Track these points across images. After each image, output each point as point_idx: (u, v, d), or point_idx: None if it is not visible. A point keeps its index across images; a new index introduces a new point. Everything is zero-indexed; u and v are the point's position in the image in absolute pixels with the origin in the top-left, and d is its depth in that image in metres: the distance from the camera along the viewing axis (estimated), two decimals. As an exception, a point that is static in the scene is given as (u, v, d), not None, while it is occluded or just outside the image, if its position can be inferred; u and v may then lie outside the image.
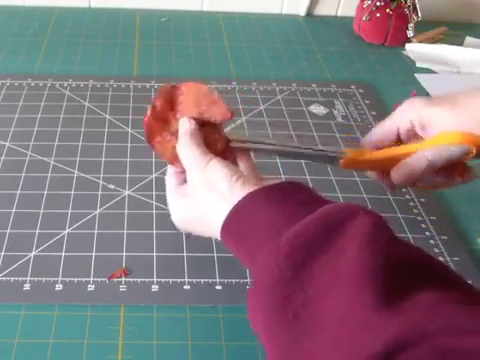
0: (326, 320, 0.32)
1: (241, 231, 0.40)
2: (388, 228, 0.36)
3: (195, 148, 0.45)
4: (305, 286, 0.33)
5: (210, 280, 0.52)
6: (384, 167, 0.51)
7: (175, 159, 0.47)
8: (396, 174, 0.49)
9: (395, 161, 0.49)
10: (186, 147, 0.46)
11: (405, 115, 0.50)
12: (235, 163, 0.47)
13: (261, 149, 0.49)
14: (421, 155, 0.48)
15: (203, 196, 0.44)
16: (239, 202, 0.40)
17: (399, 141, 0.51)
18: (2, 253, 0.53)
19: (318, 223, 0.35)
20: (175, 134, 0.48)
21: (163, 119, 0.48)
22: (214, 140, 0.48)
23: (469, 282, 0.35)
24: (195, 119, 0.47)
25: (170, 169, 0.50)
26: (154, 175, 0.64)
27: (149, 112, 0.48)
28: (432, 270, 0.34)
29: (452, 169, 0.50)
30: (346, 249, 0.34)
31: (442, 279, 0.34)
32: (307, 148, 0.49)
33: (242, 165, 0.47)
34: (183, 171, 0.47)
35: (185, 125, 0.47)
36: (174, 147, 0.47)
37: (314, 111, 0.76)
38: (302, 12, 1.05)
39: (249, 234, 0.39)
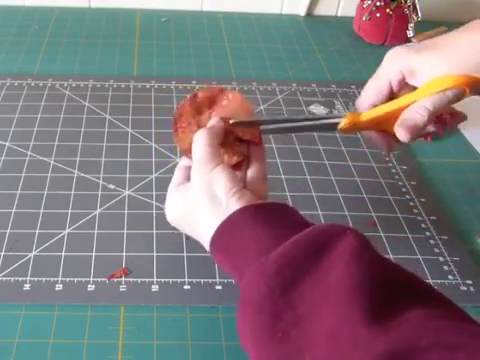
0: (316, 337, 0.32)
1: (229, 246, 0.40)
2: (372, 247, 0.36)
3: (208, 145, 0.45)
4: (294, 304, 0.34)
5: (210, 280, 0.52)
6: (383, 125, 0.50)
7: (189, 150, 0.47)
8: (401, 130, 0.47)
9: (394, 116, 0.48)
10: (201, 141, 0.45)
11: (392, 67, 0.50)
12: (247, 165, 0.47)
13: (263, 129, 0.49)
14: (421, 106, 0.47)
15: (200, 199, 0.44)
16: (229, 217, 0.41)
17: (393, 95, 0.51)
18: (2, 253, 0.53)
19: (306, 242, 0.36)
20: (200, 128, 0.47)
21: (198, 110, 0.49)
22: (232, 151, 0.47)
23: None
24: (225, 122, 0.47)
25: (182, 163, 0.49)
26: (154, 175, 0.64)
27: (188, 97, 0.49)
28: (416, 287, 0.34)
29: (442, 116, 0.51)
30: (334, 266, 0.34)
31: (426, 296, 0.34)
32: (305, 119, 0.49)
33: (253, 169, 0.47)
34: None
35: (212, 121, 0.47)
36: (193, 139, 0.47)
37: (314, 111, 0.76)
38: (302, 12, 1.05)
39: (237, 250, 0.40)
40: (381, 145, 0.52)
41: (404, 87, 0.50)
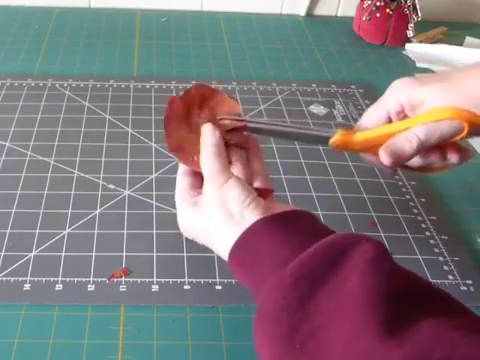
0: (332, 349, 0.32)
1: (247, 260, 0.40)
2: (389, 255, 0.36)
3: (218, 163, 0.45)
4: (311, 315, 0.34)
5: (210, 280, 0.52)
6: (374, 149, 0.48)
7: (177, 148, 0.47)
8: (384, 154, 0.45)
9: (386, 140, 0.46)
10: (210, 160, 0.45)
11: (394, 97, 0.48)
12: (247, 161, 0.47)
13: (252, 127, 0.49)
14: (411, 133, 0.45)
15: (214, 213, 0.44)
16: (247, 230, 0.41)
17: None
18: (2, 253, 0.53)
19: (322, 252, 0.36)
20: (190, 126, 0.48)
21: (189, 107, 0.48)
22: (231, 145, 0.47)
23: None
24: (216, 122, 0.47)
25: (182, 167, 0.49)
26: (154, 175, 0.64)
27: (181, 93, 0.49)
28: (433, 296, 0.34)
29: (445, 148, 0.48)
30: (350, 277, 0.34)
31: (443, 305, 0.34)
32: (297, 128, 0.48)
33: (254, 167, 0.47)
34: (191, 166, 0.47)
35: (211, 134, 0.46)
36: (181, 138, 0.47)
37: (314, 111, 0.76)
38: (302, 12, 1.05)
39: (255, 263, 0.40)
40: (380, 167, 0.50)
41: (404, 119, 0.48)
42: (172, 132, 0.48)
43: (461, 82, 0.45)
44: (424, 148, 0.46)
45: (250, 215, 0.42)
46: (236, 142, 0.48)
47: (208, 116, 0.48)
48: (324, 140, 0.48)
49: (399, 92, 0.48)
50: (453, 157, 0.48)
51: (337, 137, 0.47)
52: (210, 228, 0.44)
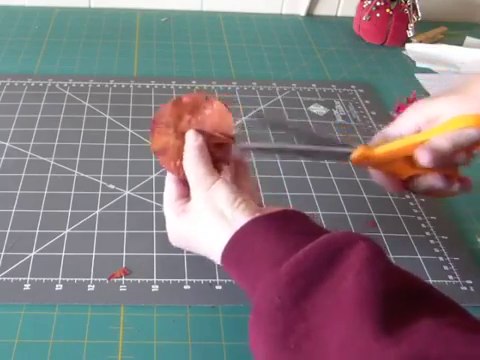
0: (328, 349, 0.32)
1: (241, 260, 0.40)
2: (385, 256, 0.36)
3: (202, 165, 0.44)
4: (307, 315, 0.33)
5: (210, 280, 0.52)
6: (395, 163, 0.48)
7: (161, 152, 0.47)
8: (422, 153, 0.46)
9: (408, 152, 0.47)
10: (193, 162, 0.45)
11: (410, 119, 0.49)
12: (236, 179, 0.47)
13: (271, 148, 0.49)
14: (441, 137, 0.46)
15: (204, 216, 0.43)
16: (240, 230, 0.40)
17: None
18: (2, 253, 0.53)
19: (318, 251, 0.36)
20: (177, 133, 0.47)
21: (179, 113, 0.48)
22: (216, 158, 0.47)
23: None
24: (203, 133, 0.47)
25: (171, 174, 0.48)
26: (154, 175, 0.64)
27: (172, 100, 0.48)
28: (430, 297, 0.34)
29: (449, 174, 0.49)
30: (346, 276, 0.34)
31: (440, 305, 0.34)
32: (316, 146, 0.49)
33: (243, 182, 0.47)
34: (176, 172, 0.47)
35: (193, 139, 0.46)
36: (167, 142, 0.47)
37: (314, 111, 0.76)
38: (302, 12, 1.05)
39: (249, 263, 0.39)
40: (386, 186, 0.51)
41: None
42: (157, 135, 0.48)
43: (476, 92, 0.46)
44: (454, 150, 0.46)
45: (241, 216, 0.41)
46: (223, 157, 0.47)
47: (199, 124, 0.48)
48: (344, 156, 0.48)
49: (415, 113, 0.48)
50: (456, 184, 0.49)
51: (358, 152, 0.47)
52: (199, 231, 0.44)
